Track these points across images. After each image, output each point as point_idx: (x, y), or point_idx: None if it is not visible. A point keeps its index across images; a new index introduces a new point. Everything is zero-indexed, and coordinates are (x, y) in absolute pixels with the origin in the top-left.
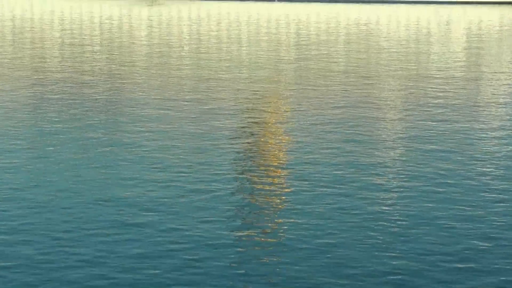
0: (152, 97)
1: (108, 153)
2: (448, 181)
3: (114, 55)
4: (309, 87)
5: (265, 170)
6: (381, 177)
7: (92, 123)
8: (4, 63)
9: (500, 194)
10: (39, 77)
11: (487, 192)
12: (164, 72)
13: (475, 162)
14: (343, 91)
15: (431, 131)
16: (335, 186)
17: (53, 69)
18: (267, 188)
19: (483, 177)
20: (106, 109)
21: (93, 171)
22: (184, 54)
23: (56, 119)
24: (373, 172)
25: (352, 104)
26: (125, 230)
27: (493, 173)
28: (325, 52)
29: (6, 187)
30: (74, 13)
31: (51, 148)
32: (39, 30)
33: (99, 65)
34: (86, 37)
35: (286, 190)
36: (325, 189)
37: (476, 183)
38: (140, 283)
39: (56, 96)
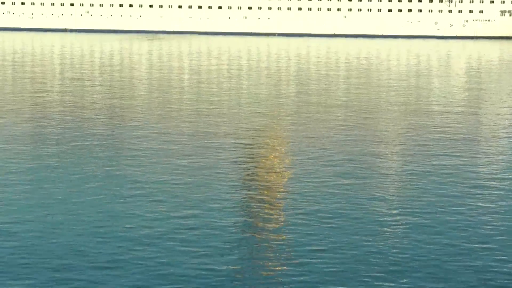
0: (152, 130)
1: (107, 186)
2: (447, 217)
3: (114, 89)
4: (309, 122)
5: (264, 204)
6: (380, 211)
7: (92, 157)
8: (5, 97)
9: (500, 227)
10: (40, 110)
11: (486, 225)
12: (164, 106)
13: (475, 195)
14: (343, 125)
15: (431, 164)
16: (334, 220)
17: (54, 102)
18: (266, 222)
19: (482, 210)
20: (106, 142)
21: (92, 204)
22: (184, 87)
23: (56, 153)
24: (372, 206)
25: (352, 138)
26: (123, 264)
27: (492, 208)
28: (325, 86)
29: (3, 220)
30: (75, 47)
31: (50, 181)
32: (39, 64)
33: (99, 98)
34: (86, 71)
35: (285, 223)
36: (323, 224)
37: (474, 218)
38: None
39: (56, 129)
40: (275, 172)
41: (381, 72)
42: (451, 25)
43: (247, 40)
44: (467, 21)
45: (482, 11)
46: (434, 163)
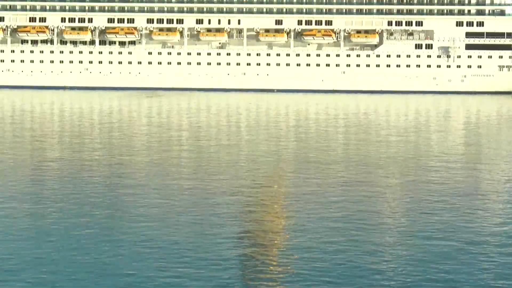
0: (151, 187)
1: (107, 244)
2: (442, 273)
3: (113, 145)
4: (309, 179)
5: (259, 261)
6: (376, 268)
7: (92, 215)
8: (4, 154)
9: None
10: (38, 167)
11: (482, 282)
12: (163, 162)
13: (475, 250)
14: (342, 182)
15: (430, 219)
16: (333, 277)
17: (53, 159)
18: (265, 274)
19: (479, 265)
20: (105, 200)
21: (90, 263)
22: (183, 144)
23: (55, 211)
24: (368, 261)
25: (352, 195)
26: None
27: (490, 263)
28: (325, 142)
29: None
30: (74, 104)
31: (49, 239)
32: (39, 121)
33: (98, 155)
34: (85, 128)
35: (284, 272)
36: (322, 277)
37: (470, 274)
38: None
39: (55, 187)
40: (273, 229)
41: (380, 127)
42: (449, 80)
43: (246, 96)
44: (465, 76)
45: (480, 66)
46: (433, 218)
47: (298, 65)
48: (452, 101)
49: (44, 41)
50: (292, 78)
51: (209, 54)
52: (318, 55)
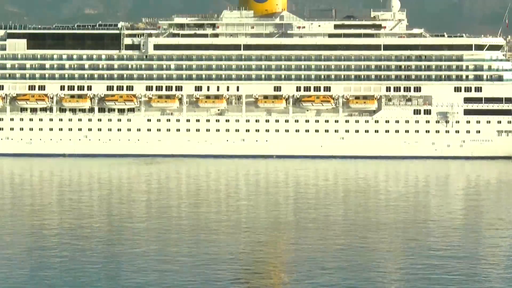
0: (150, 254)
1: None
2: None
3: (113, 211)
4: (308, 244)
5: None
6: None
7: (91, 282)
8: (3, 222)
9: None
10: (38, 235)
11: None
12: (162, 229)
13: None
14: (342, 249)
15: (430, 284)
16: None
17: (52, 226)
18: None
19: None
20: (104, 268)
21: None
22: (182, 210)
23: (54, 277)
24: None
25: (351, 263)
26: None
27: None
28: (324, 207)
29: None
30: (73, 172)
31: None
32: (38, 189)
33: (97, 221)
34: (85, 195)
35: None
36: None
37: None
38: None
39: (54, 254)
40: None
41: (379, 192)
42: (448, 146)
43: (245, 162)
44: (464, 141)
45: (479, 131)
46: (432, 283)
47: (297, 131)
48: (451, 166)
49: (43, 109)
50: (291, 144)
51: (208, 120)
52: (317, 121)
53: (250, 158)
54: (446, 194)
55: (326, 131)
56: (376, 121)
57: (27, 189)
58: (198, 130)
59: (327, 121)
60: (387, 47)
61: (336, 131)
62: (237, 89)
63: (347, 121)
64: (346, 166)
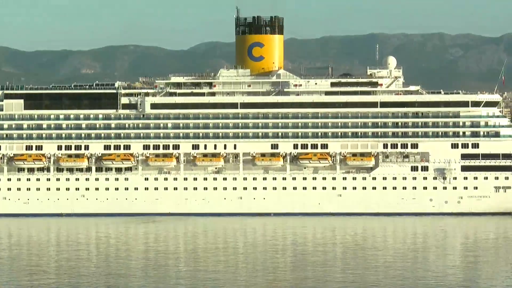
0: None
1: None
2: None
3: (110, 271)
4: None
5: None
6: None
7: None
8: (1, 283)
9: None
10: None
11: None
12: (160, 286)
13: None
14: None
15: None
16: None
17: (50, 284)
18: None
19: None
20: None
21: None
22: (181, 269)
23: None
24: None
25: None
26: None
27: None
28: (322, 264)
29: None
30: (71, 231)
31: None
32: (36, 248)
33: (95, 281)
34: (83, 255)
35: None
36: None
37: None
38: None
39: None
40: None
41: (377, 249)
42: (446, 202)
43: (243, 220)
44: (462, 197)
45: (476, 188)
46: None
47: (295, 188)
48: (449, 223)
49: (40, 169)
50: (289, 202)
51: (205, 179)
52: (314, 178)
53: (248, 216)
54: (445, 251)
55: (324, 188)
56: (374, 178)
57: (24, 249)
58: (195, 188)
59: (324, 178)
60: (384, 104)
61: (333, 188)
62: (234, 147)
63: (344, 178)
64: (344, 223)
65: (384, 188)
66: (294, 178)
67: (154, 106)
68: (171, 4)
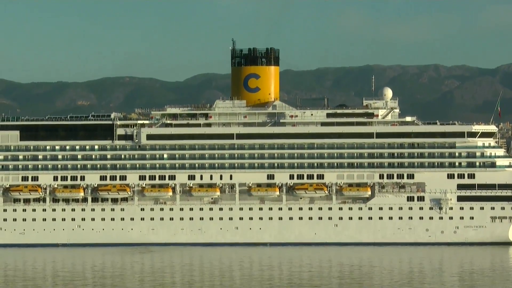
0: None
1: None
2: None
3: None
4: None
5: None
6: None
7: None
8: None
9: None
10: None
11: None
12: None
13: None
14: None
15: None
16: None
17: None
18: None
19: None
20: None
21: None
22: None
23: None
24: None
25: None
26: None
27: None
28: None
29: None
30: (66, 262)
31: None
32: (31, 279)
33: None
34: (78, 283)
35: None
36: None
37: None
38: None
39: None
40: None
41: (373, 280)
42: (442, 232)
43: (239, 250)
44: (458, 227)
45: (472, 218)
46: None
47: (291, 218)
48: (445, 253)
49: (36, 200)
50: (285, 232)
51: (201, 209)
52: (310, 208)
53: (244, 246)
54: (441, 281)
55: (320, 218)
56: (370, 208)
57: (19, 279)
58: (191, 218)
59: (320, 208)
60: (380, 135)
61: (329, 218)
62: (230, 178)
63: (340, 209)
64: (340, 253)
65: (380, 218)
66: (290, 208)
67: (150, 137)
68: (167, 36)
